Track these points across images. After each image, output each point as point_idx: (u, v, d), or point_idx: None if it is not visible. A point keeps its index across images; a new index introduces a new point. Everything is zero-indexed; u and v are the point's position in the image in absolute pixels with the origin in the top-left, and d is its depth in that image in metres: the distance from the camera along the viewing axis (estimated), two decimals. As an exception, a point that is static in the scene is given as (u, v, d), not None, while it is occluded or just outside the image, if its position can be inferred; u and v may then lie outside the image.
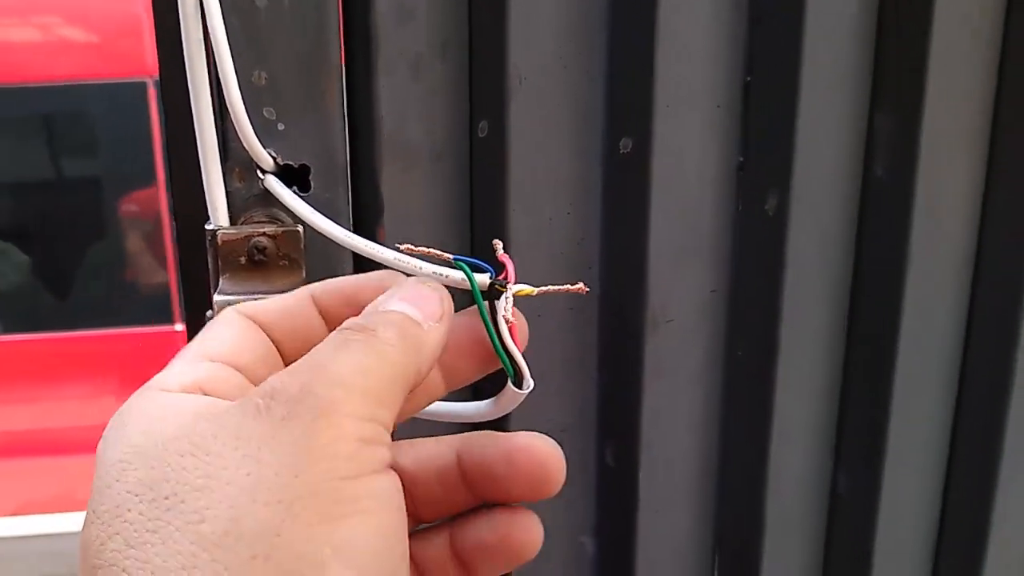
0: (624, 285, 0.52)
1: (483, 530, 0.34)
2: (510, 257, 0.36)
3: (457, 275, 0.35)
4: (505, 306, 0.34)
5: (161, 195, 2.31)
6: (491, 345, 0.34)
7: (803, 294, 0.53)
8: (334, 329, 0.32)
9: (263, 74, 0.46)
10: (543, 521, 0.35)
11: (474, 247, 0.51)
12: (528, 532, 0.34)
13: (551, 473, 0.33)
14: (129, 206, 2.31)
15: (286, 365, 0.33)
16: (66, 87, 2.31)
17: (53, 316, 2.32)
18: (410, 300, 0.32)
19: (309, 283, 0.39)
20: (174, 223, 0.50)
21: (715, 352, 0.54)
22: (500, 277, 0.35)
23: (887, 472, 0.57)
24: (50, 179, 2.35)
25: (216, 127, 0.45)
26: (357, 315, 0.33)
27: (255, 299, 0.38)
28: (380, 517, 0.27)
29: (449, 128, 0.49)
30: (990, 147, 0.53)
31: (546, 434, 0.34)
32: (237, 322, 0.34)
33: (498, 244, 0.38)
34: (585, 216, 0.51)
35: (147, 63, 2.27)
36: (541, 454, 0.33)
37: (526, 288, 0.35)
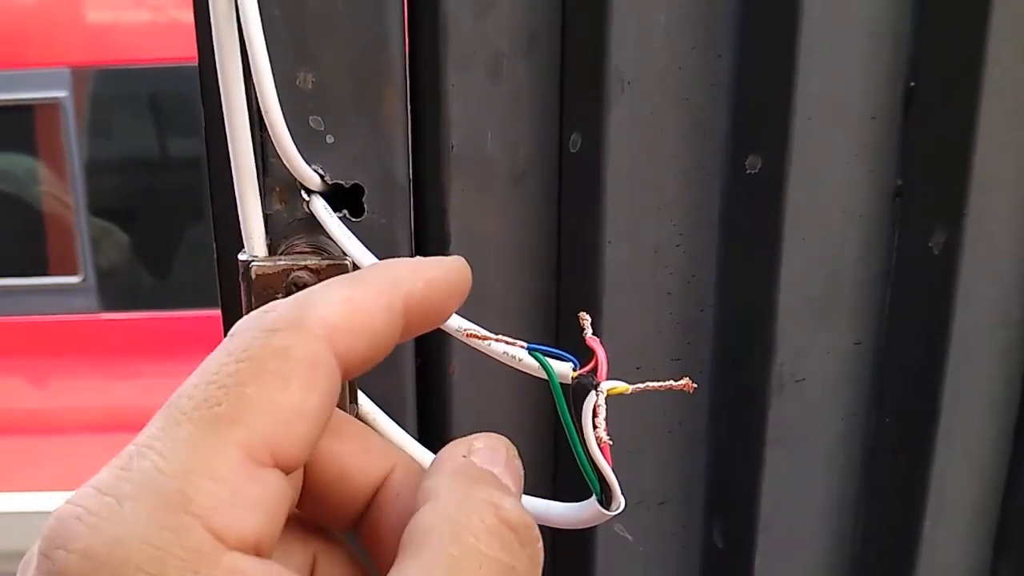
0: (745, 334, 0.42)
1: None
2: (601, 342, 0.27)
3: (532, 362, 0.27)
4: (595, 408, 0.25)
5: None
6: (574, 454, 0.26)
7: (972, 351, 0.42)
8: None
9: (310, 76, 0.38)
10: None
11: (560, 289, 0.42)
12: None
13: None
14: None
15: None
16: (172, 68, 2.31)
17: (152, 295, 2.33)
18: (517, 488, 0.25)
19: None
20: (214, 247, 0.43)
21: (855, 418, 0.44)
22: (587, 369, 0.26)
23: (1066, 567, 0.46)
24: (154, 159, 2.36)
25: (253, 139, 0.38)
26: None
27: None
28: None
29: (533, 141, 0.40)
30: None
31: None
32: (327, 382, 0.22)
33: (586, 320, 0.29)
34: (699, 249, 0.42)
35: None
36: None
37: (619, 386, 0.26)
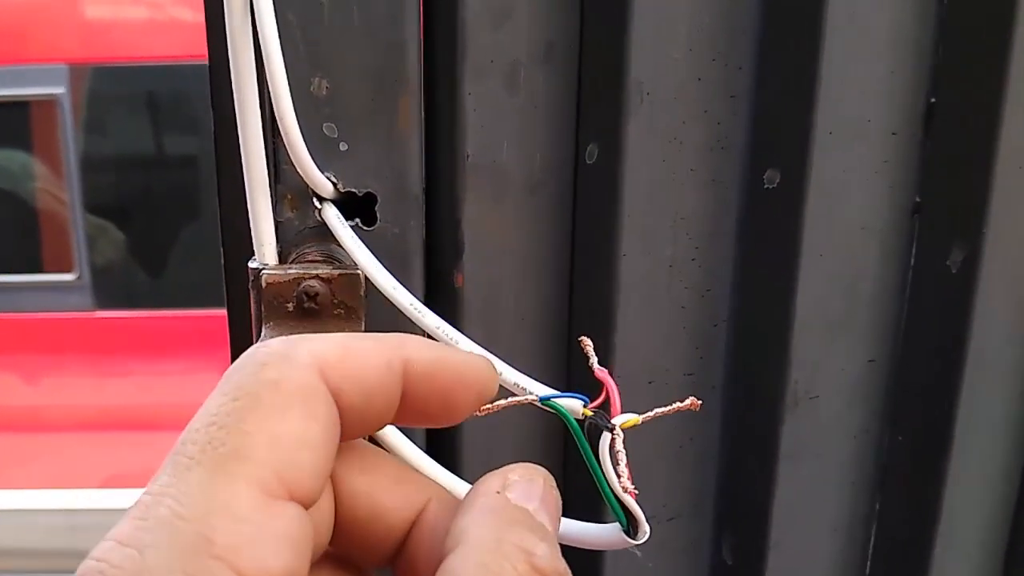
0: (759, 350, 0.42)
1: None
2: (610, 372, 0.27)
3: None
4: (614, 445, 0.25)
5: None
6: (600, 492, 0.25)
7: (987, 371, 0.42)
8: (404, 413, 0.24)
9: (324, 82, 0.37)
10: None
11: (574, 300, 0.41)
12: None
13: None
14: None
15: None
16: (170, 66, 2.30)
17: (147, 294, 2.32)
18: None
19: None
20: (221, 252, 0.42)
21: (868, 436, 0.44)
22: (598, 403, 0.26)
23: (1077, 588, 0.46)
24: (150, 157, 2.35)
25: (266, 145, 0.37)
26: (440, 403, 0.24)
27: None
28: None
29: (550, 152, 0.40)
30: None
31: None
32: (324, 409, 0.22)
33: (588, 346, 0.29)
34: (714, 262, 0.42)
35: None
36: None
37: (631, 419, 0.26)
